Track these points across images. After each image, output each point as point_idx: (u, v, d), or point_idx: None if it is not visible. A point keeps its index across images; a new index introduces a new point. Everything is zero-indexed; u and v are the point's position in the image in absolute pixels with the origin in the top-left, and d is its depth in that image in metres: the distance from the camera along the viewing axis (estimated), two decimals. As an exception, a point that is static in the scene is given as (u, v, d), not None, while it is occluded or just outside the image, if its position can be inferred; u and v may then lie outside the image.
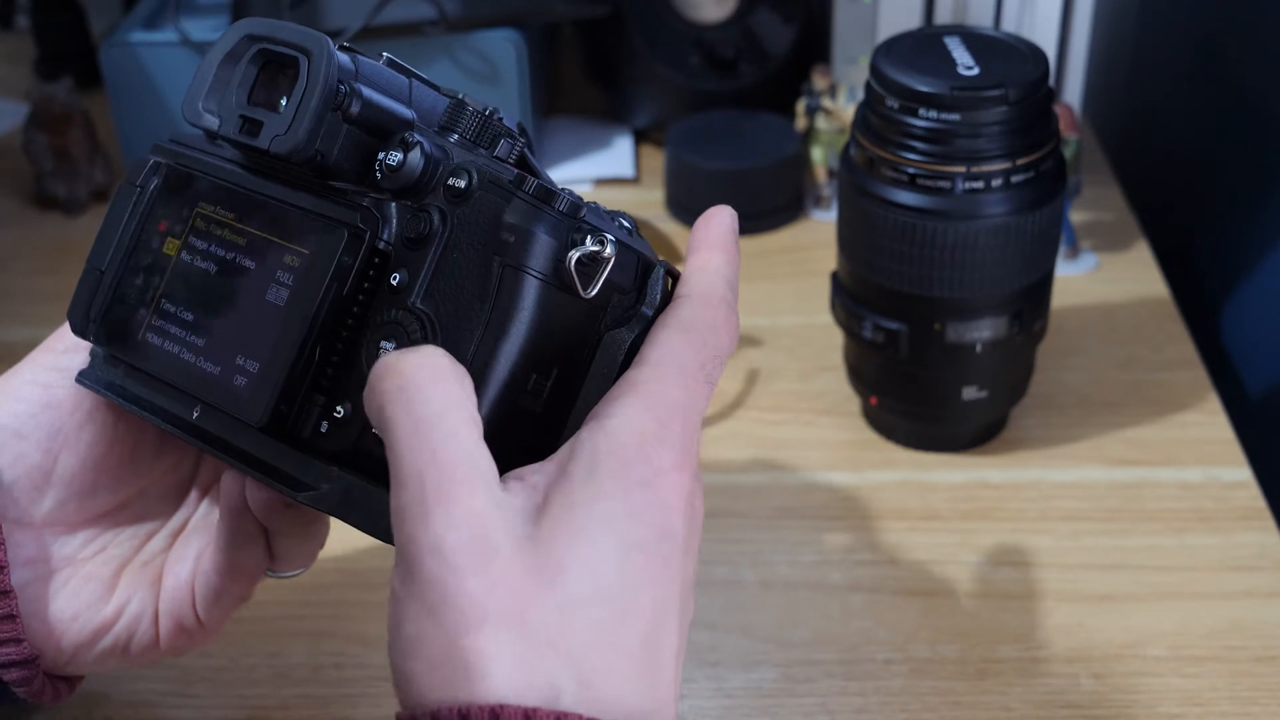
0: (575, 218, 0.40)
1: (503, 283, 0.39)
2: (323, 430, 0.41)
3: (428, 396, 0.37)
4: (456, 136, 0.43)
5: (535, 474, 0.38)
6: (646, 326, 0.42)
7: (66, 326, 0.48)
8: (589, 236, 0.40)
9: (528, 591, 0.35)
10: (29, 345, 0.79)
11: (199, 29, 0.89)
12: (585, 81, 1.02)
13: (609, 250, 0.40)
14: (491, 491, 0.36)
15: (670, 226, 0.89)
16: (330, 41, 0.41)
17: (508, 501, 0.36)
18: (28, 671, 0.47)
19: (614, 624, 0.35)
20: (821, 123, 0.88)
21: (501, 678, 0.34)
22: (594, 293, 0.40)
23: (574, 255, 0.39)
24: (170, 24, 0.89)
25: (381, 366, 0.38)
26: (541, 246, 0.39)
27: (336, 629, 0.60)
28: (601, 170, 0.96)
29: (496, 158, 0.42)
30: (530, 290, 0.39)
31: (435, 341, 0.39)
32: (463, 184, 0.40)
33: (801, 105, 0.89)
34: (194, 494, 0.52)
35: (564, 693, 0.34)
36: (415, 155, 0.41)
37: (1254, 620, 0.60)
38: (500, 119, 0.44)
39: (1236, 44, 0.87)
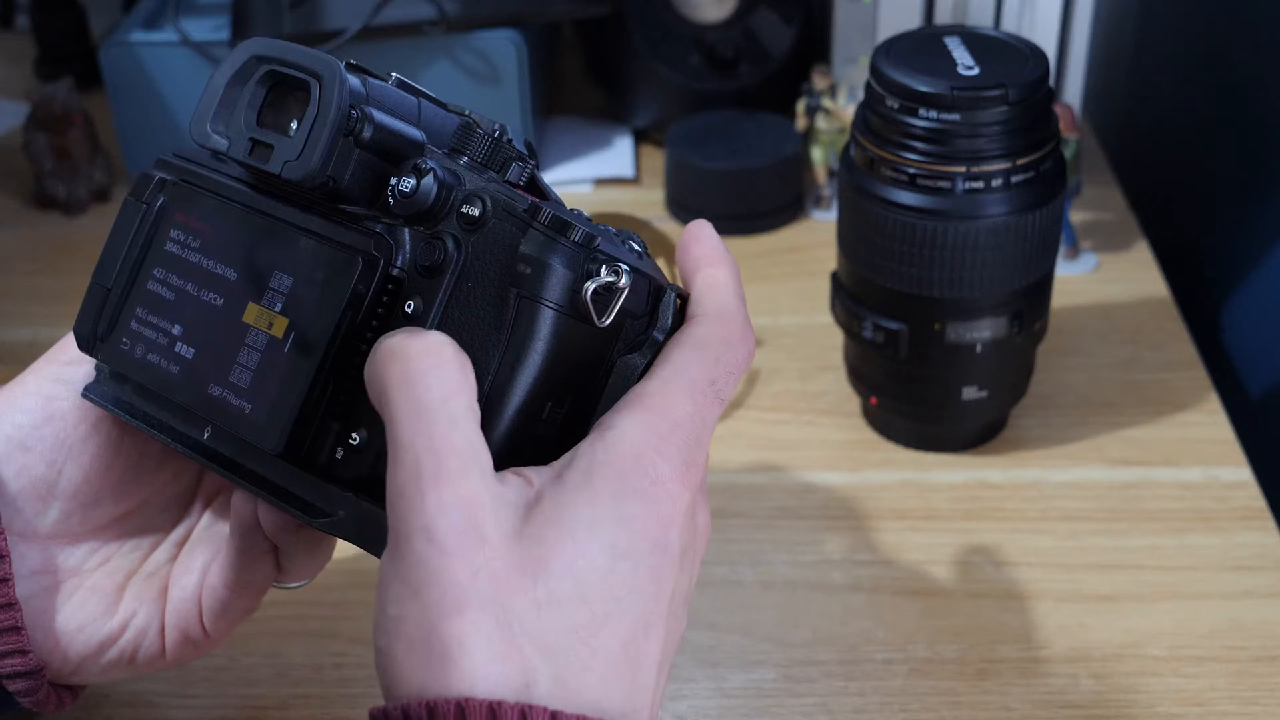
0: (590, 248, 0.40)
1: (519, 314, 0.39)
2: (338, 457, 0.42)
3: (430, 384, 0.37)
4: (467, 159, 0.43)
5: (534, 473, 0.39)
6: (658, 351, 0.42)
7: (70, 337, 0.48)
8: (604, 267, 0.40)
9: (510, 582, 0.35)
10: (29, 345, 0.80)
11: (199, 29, 0.89)
12: (585, 81, 1.03)
13: (624, 280, 0.40)
14: (486, 481, 0.36)
15: (670, 226, 0.89)
16: (341, 66, 0.41)
17: (501, 493, 0.37)
18: (33, 682, 0.47)
19: (594, 625, 0.36)
20: (821, 123, 0.88)
21: (476, 664, 0.34)
22: (609, 321, 0.40)
23: (590, 286, 0.39)
24: (170, 24, 0.89)
25: (386, 350, 0.38)
26: (558, 279, 0.39)
27: (336, 629, 0.60)
28: (601, 170, 0.96)
29: (508, 182, 0.42)
30: (546, 322, 0.39)
31: None
32: (476, 212, 0.40)
33: (801, 105, 0.89)
34: (197, 505, 0.52)
35: (536, 685, 0.35)
36: (428, 181, 0.41)
37: (1254, 620, 0.60)
38: (509, 140, 0.43)
39: (1236, 44, 0.87)
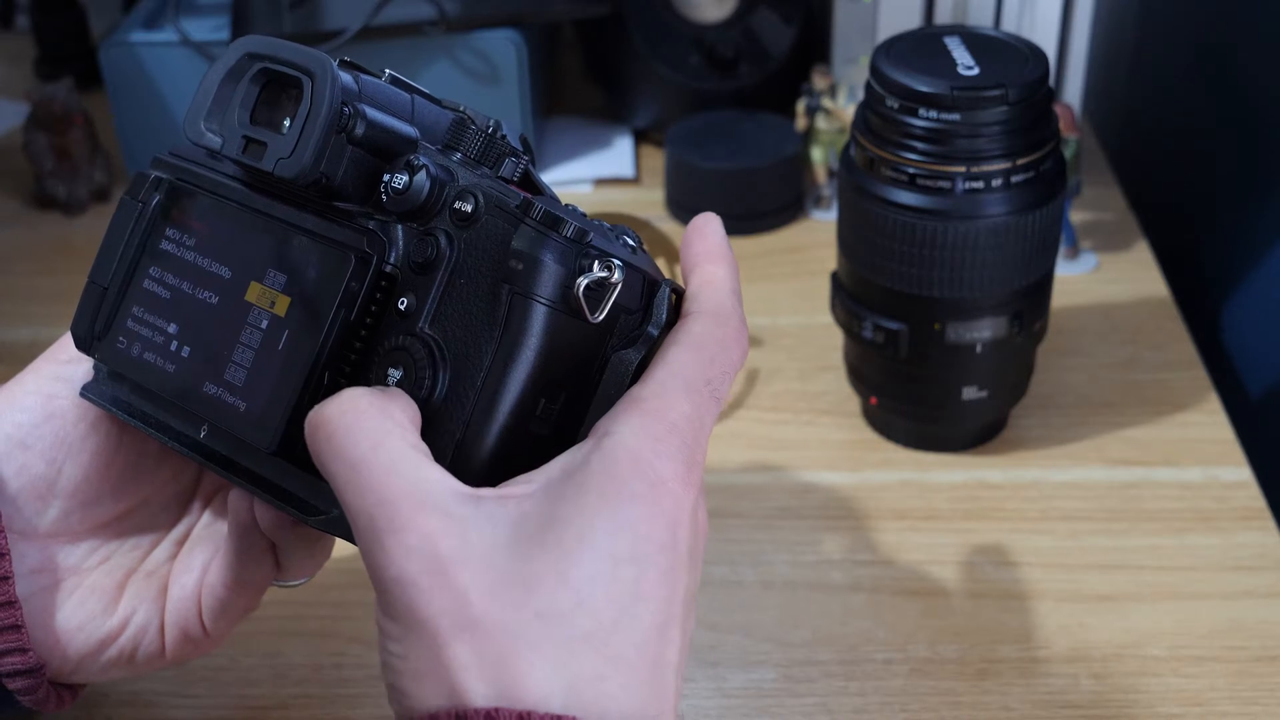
0: (582, 243, 0.40)
1: (512, 310, 0.39)
2: None
3: (356, 440, 0.37)
4: (460, 155, 0.43)
5: (517, 485, 0.38)
6: (653, 346, 0.42)
7: (69, 336, 0.48)
8: (596, 262, 0.40)
9: (502, 599, 0.35)
10: (29, 345, 0.80)
11: (199, 29, 0.89)
12: (585, 81, 1.02)
13: (616, 275, 0.40)
14: (445, 511, 0.36)
15: (670, 226, 0.89)
16: (333, 63, 0.41)
17: (472, 515, 0.37)
18: (33, 680, 0.47)
19: (604, 633, 0.35)
20: (821, 123, 0.88)
21: (486, 686, 0.34)
22: (602, 317, 0.40)
23: (582, 282, 0.39)
24: (170, 24, 0.89)
25: (309, 424, 0.39)
26: (550, 274, 0.39)
27: (336, 629, 0.60)
28: (601, 170, 0.96)
29: (501, 178, 0.42)
30: (539, 318, 0.39)
31: (444, 368, 0.40)
32: (469, 208, 0.40)
33: (801, 105, 0.89)
34: (196, 503, 0.52)
35: (552, 697, 0.34)
36: (421, 178, 0.41)
37: (1254, 620, 0.60)
38: (503, 136, 0.43)
39: (1236, 44, 0.87)
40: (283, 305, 0.42)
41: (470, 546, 0.36)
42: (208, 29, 0.90)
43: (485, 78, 0.89)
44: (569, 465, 0.38)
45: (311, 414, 0.39)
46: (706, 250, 0.44)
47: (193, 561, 0.50)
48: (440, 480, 0.37)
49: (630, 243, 0.43)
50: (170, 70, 0.89)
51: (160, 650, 0.49)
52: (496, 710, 0.34)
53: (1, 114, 1.07)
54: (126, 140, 0.92)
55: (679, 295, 0.43)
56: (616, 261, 0.40)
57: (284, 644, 0.59)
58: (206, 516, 0.52)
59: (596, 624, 0.35)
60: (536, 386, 0.40)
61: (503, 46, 0.88)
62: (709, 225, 0.45)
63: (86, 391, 0.47)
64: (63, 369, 0.48)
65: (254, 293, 0.43)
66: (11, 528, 0.47)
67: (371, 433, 0.38)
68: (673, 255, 0.83)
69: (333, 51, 0.83)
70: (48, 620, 0.48)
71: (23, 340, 0.81)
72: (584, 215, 0.42)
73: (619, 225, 0.43)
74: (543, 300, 0.39)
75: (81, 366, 0.48)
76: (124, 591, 0.49)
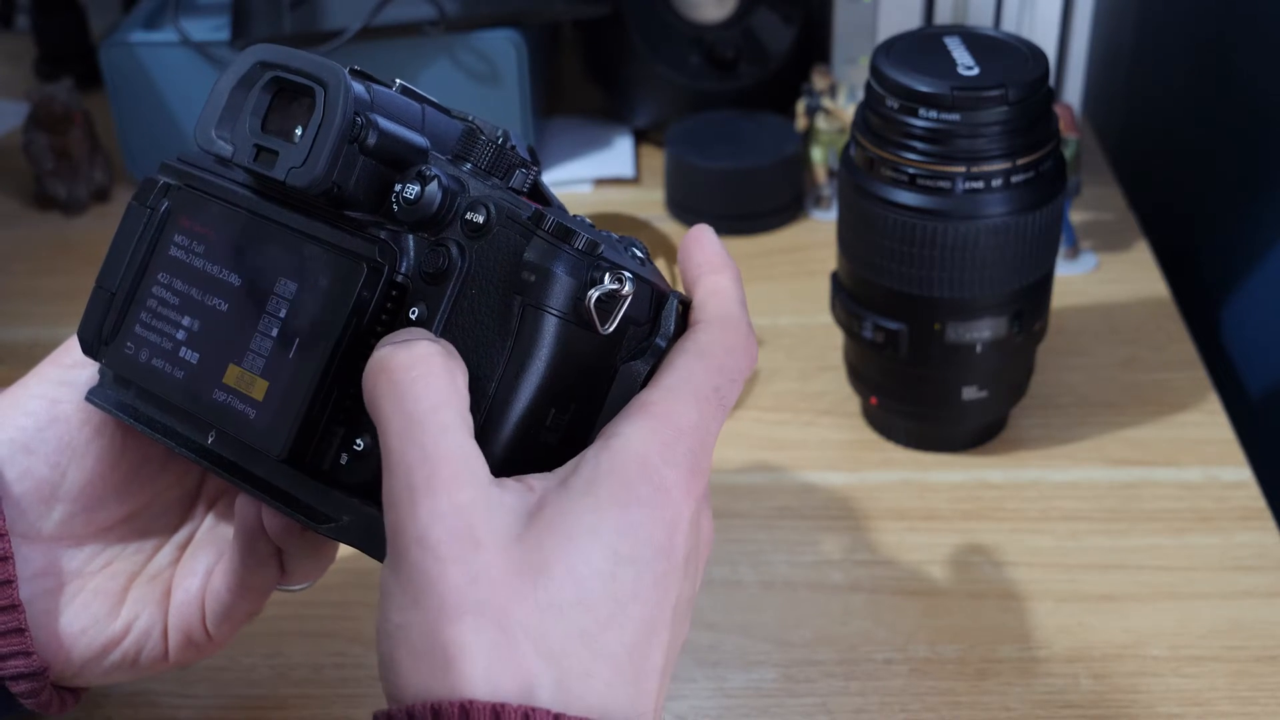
0: (594, 255, 0.40)
1: (523, 321, 0.39)
2: (342, 462, 0.42)
3: (419, 394, 0.37)
4: (470, 166, 0.43)
5: (536, 479, 0.39)
6: (661, 358, 0.42)
7: (74, 340, 0.48)
8: (607, 274, 0.40)
9: (510, 587, 0.35)
10: (29, 345, 0.80)
11: (199, 29, 0.89)
12: (585, 81, 1.02)
13: (627, 288, 0.40)
14: (480, 487, 0.36)
15: (671, 227, 0.89)
16: (346, 72, 0.41)
17: (499, 499, 0.37)
18: (36, 684, 0.47)
19: (597, 630, 0.36)
20: (821, 123, 0.89)
21: (478, 669, 0.35)
22: (612, 328, 0.40)
23: (594, 294, 0.40)
24: (170, 24, 0.89)
25: (376, 362, 0.38)
26: (562, 286, 0.39)
27: (336, 629, 0.60)
28: (601, 170, 0.96)
29: (511, 188, 0.42)
30: (551, 329, 0.39)
31: None
32: (481, 219, 0.40)
33: (801, 105, 0.89)
34: (200, 507, 0.52)
35: (539, 689, 0.35)
36: (433, 188, 0.41)
37: (1254, 620, 0.60)
38: (513, 146, 0.44)
39: (1236, 43, 0.87)
40: (293, 316, 0.42)
41: (495, 529, 0.36)
42: (208, 29, 0.90)
43: (485, 78, 0.89)
44: (580, 465, 0.38)
45: (381, 355, 0.38)
46: (707, 260, 0.44)
47: (196, 565, 0.50)
48: (481, 461, 0.37)
49: (639, 254, 0.43)
50: (170, 70, 0.89)
51: (163, 654, 0.49)
52: (470, 703, 0.34)
53: (1, 114, 1.07)
54: (126, 140, 0.92)
55: (686, 306, 0.43)
56: (627, 274, 0.40)
57: (284, 644, 0.59)
58: (210, 521, 0.52)
59: (592, 620, 0.36)
60: (547, 397, 0.40)
61: (503, 46, 0.88)
62: (705, 235, 0.45)
63: (92, 396, 0.47)
64: (67, 373, 0.48)
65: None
66: (15, 531, 0.47)
67: (437, 393, 0.37)
68: (672, 256, 0.83)
69: (332, 52, 0.83)
70: (51, 624, 0.48)
71: (23, 341, 0.81)
72: (593, 226, 0.42)
73: (627, 236, 0.44)
74: (554, 312, 0.39)
75: (86, 370, 0.48)
76: (127, 595, 0.49)
